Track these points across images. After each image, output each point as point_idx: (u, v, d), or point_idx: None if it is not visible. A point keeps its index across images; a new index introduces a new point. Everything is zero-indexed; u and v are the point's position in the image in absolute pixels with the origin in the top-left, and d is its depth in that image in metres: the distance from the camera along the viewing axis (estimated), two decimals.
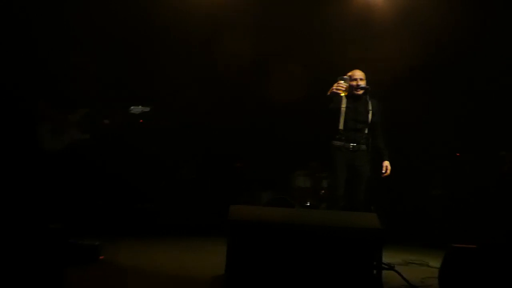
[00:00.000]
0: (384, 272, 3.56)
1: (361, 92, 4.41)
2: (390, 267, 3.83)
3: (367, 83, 4.44)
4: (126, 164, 6.24)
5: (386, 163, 4.45)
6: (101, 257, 3.74)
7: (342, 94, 4.23)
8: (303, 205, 5.96)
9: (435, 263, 4.08)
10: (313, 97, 4.86)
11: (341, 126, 4.42)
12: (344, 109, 4.42)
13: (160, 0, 6.00)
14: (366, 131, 4.42)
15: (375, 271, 3.02)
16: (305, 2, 6.30)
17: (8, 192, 4.15)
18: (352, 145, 4.40)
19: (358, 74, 4.44)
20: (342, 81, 4.18)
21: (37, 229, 2.76)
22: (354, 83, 4.40)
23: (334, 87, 4.19)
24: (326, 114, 4.41)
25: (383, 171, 4.44)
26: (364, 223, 3.12)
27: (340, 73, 4.41)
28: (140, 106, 4.44)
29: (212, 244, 5.06)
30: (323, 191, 6.12)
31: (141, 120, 4.71)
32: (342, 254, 2.99)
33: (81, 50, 4.70)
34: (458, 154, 6.75)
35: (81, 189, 4.58)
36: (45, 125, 4.40)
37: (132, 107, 4.43)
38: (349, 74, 4.44)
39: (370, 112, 4.43)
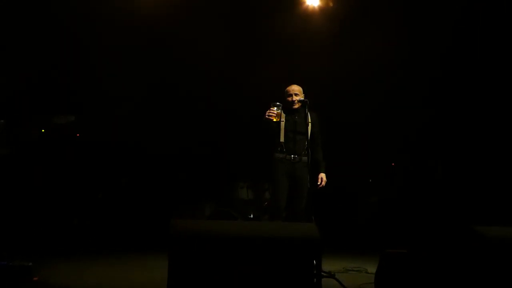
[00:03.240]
0: (325, 280, 3.66)
1: (297, 105, 4.53)
2: (330, 275, 3.95)
3: (306, 96, 4.58)
4: (58, 178, 6.01)
5: (322, 175, 4.59)
6: (35, 278, 3.58)
7: (275, 120, 4.36)
8: (247, 217, 5.98)
9: (373, 269, 4.22)
10: (255, 109, 4.94)
11: (281, 139, 4.53)
12: (284, 122, 4.53)
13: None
14: (306, 143, 4.53)
15: (315, 280, 3.09)
16: (246, 16, 6.43)
17: None
18: (293, 157, 4.50)
19: (293, 88, 4.57)
20: (274, 108, 4.34)
21: None
22: (289, 98, 4.53)
23: (267, 114, 4.33)
24: (265, 132, 4.52)
25: (318, 183, 4.57)
26: (303, 233, 3.19)
27: (280, 86, 4.55)
28: (63, 116, 4.25)
29: (152, 260, 4.97)
30: (266, 203, 6.18)
31: (78, 134, 4.56)
32: (282, 264, 3.03)
33: None
34: (393, 164, 7.07)
35: (9, 207, 4.34)
36: None
37: (54, 116, 4.23)
38: (286, 89, 4.57)
39: (310, 124, 4.55)
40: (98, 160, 6.49)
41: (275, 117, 4.34)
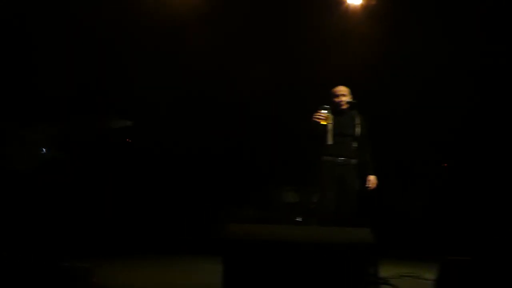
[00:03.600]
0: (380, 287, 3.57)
1: (345, 106, 4.47)
2: (386, 282, 3.84)
3: (354, 98, 4.51)
4: (108, 181, 6.11)
5: (371, 177, 4.49)
6: (94, 279, 3.66)
7: (323, 123, 4.32)
8: (294, 221, 5.93)
9: (428, 275, 4.09)
10: (300, 112, 4.89)
11: (329, 141, 4.45)
12: (332, 124, 4.47)
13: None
14: (354, 145, 4.46)
15: (371, 287, 3.02)
16: (287, 13, 6.38)
17: None
18: (341, 159, 4.43)
19: (341, 90, 4.51)
20: (323, 111, 4.29)
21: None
22: (336, 99, 4.47)
23: (315, 117, 4.29)
24: (312, 137, 4.47)
25: (368, 185, 4.48)
26: (358, 238, 3.12)
27: (324, 86, 4.50)
28: (121, 120, 4.27)
29: (201, 263, 5.01)
30: (313, 206, 6.11)
31: (128, 140, 4.61)
32: (338, 270, 2.98)
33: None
34: (445, 165, 6.83)
35: (61, 210, 4.42)
36: (14, 144, 3.97)
37: (112, 121, 4.25)
38: (333, 90, 4.52)
39: (358, 126, 4.48)
40: (146, 163, 6.57)
41: (323, 119, 4.30)
